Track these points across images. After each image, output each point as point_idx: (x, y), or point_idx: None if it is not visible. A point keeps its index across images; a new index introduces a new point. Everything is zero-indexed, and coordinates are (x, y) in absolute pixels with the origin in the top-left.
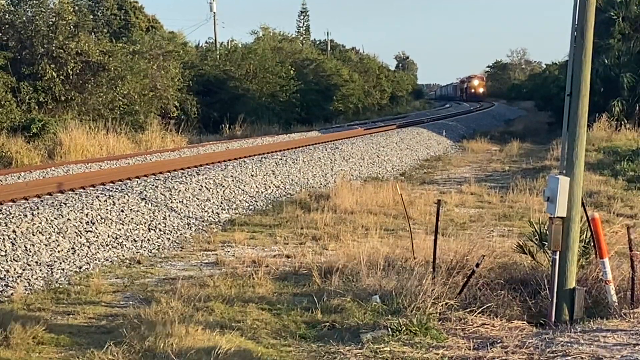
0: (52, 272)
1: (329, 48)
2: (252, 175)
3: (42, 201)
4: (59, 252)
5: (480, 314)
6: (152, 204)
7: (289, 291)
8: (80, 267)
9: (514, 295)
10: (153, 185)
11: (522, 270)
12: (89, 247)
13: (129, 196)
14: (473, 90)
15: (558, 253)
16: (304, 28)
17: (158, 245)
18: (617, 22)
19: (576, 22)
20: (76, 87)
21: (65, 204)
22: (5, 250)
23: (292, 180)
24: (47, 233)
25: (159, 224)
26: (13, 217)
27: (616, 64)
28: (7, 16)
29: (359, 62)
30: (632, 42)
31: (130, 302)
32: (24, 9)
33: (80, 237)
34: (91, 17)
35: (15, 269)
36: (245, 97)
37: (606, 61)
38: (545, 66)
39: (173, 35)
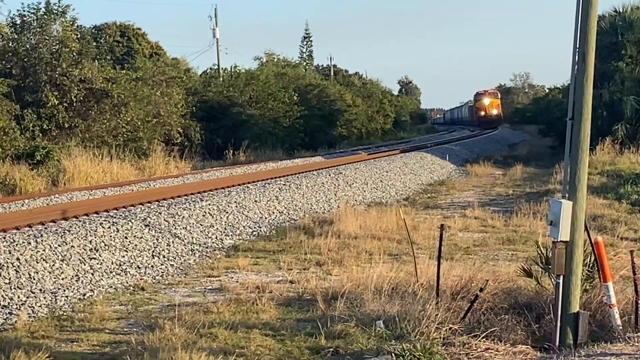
0: (55, 300)
1: (332, 73)
2: (255, 201)
3: (45, 228)
4: (62, 279)
5: (484, 339)
6: (155, 230)
7: (293, 317)
8: (84, 294)
9: (518, 319)
10: (157, 211)
11: (526, 294)
12: (92, 274)
13: (132, 223)
14: (483, 113)
15: (562, 277)
16: (307, 53)
17: (162, 272)
18: (624, 45)
19: (577, 46)
20: (80, 114)
21: (69, 231)
22: (9, 278)
23: (295, 205)
24: (50, 260)
25: (163, 250)
26: (17, 244)
27: (620, 88)
28: (10, 44)
29: (362, 87)
30: (635, 66)
31: (134, 329)
32: (27, 36)
33: (84, 264)
34: (94, 44)
35: (19, 297)
36: (248, 122)
37: (610, 85)
38: (548, 90)
39: (176, 61)
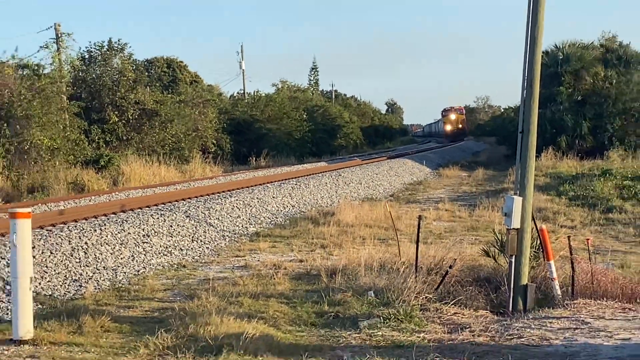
0: (116, 275)
1: (333, 96)
2: (273, 197)
3: (108, 219)
4: (121, 259)
5: (453, 305)
6: (194, 220)
7: (302, 288)
8: (138, 271)
9: (480, 290)
10: (195, 205)
11: (486, 270)
12: (145, 255)
13: (176, 214)
14: (450, 127)
15: (514, 257)
16: (314, 81)
17: (199, 253)
18: (562, 74)
19: (526, 75)
20: (135, 129)
21: (126, 221)
22: (79, 258)
23: (304, 200)
24: (112, 244)
25: (200, 236)
26: (85, 231)
27: (560, 108)
28: (80, 74)
29: (357, 107)
30: (573, 91)
31: (178, 298)
32: (93, 68)
33: (138, 247)
34: (146, 74)
35: (87, 273)
36: (267, 135)
37: (551, 106)
38: (503, 109)
39: (211, 87)
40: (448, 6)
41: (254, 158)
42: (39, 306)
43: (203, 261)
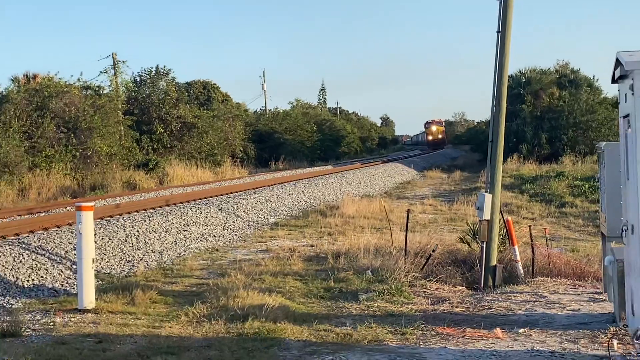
0: (162, 257)
1: (338, 112)
2: (289, 194)
3: (155, 211)
4: (166, 244)
5: (435, 282)
6: (225, 212)
7: (313, 268)
8: (179, 254)
9: (457, 270)
10: (226, 200)
11: (462, 254)
12: (185, 241)
13: (210, 208)
14: (431, 137)
15: (485, 243)
16: (322, 99)
17: (229, 239)
18: (524, 94)
19: (495, 95)
20: (177, 139)
21: (170, 213)
22: (132, 243)
23: (315, 197)
24: (158, 232)
25: (230, 225)
26: (137, 221)
27: (523, 122)
28: (133, 94)
29: (357, 121)
30: (533, 108)
31: (211, 276)
32: (143, 89)
33: (180, 234)
34: (186, 93)
35: (138, 255)
36: (285, 144)
37: (515, 120)
38: (477, 123)
39: (238, 105)
40: (431, 38)
41: (274, 162)
42: (99, 282)
43: (232, 246)
